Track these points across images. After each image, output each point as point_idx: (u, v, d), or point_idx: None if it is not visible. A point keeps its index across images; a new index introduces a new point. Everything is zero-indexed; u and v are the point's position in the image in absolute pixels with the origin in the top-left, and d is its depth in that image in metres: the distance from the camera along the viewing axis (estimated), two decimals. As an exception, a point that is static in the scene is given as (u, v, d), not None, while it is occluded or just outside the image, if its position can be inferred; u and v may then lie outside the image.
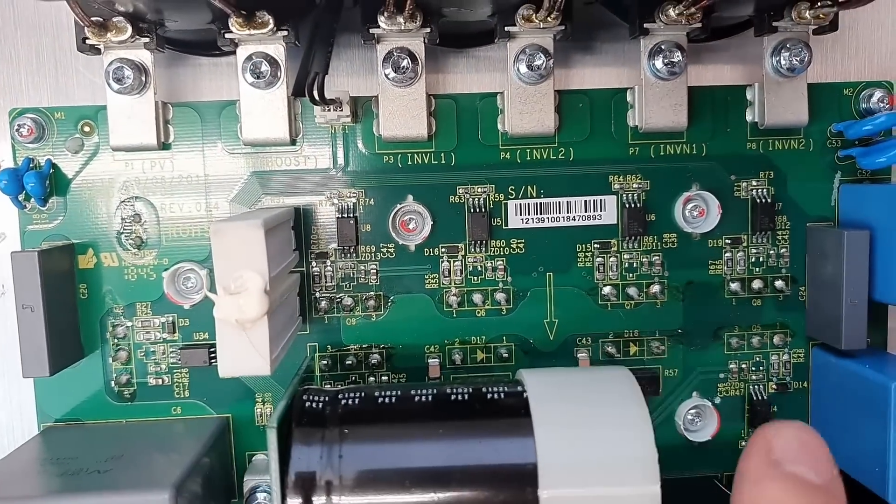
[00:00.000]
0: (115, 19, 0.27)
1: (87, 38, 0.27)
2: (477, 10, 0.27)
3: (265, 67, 0.28)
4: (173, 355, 0.30)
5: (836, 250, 0.30)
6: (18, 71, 0.31)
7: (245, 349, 0.23)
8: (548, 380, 0.25)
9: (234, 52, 0.29)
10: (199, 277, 0.30)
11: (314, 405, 0.24)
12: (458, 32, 0.30)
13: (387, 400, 0.25)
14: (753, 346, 0.32)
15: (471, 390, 0.25)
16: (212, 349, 0.30)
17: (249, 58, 0.28)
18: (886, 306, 0.31)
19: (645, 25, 0.29)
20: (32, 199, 0.29)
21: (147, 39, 0.27)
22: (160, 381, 0.30)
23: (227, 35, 0.27)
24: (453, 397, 0.25)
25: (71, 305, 0.30)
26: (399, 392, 0.25)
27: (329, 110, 0.28)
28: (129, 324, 0.30)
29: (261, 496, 0.29)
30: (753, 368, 0.32)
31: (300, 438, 0.23)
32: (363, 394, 0.25)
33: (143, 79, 0.28)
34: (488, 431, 0.24)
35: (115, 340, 0.30)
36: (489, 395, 0.25)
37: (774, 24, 0.29)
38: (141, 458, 0.26)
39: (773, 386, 0.32)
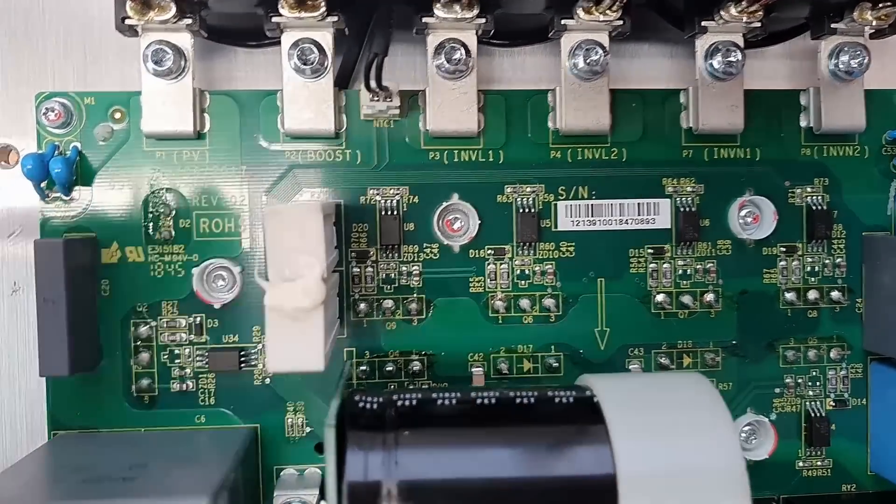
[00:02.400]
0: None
1: (128, 18, 0.26)
2: None
3: (313, 55, 0.27)
4: (200, 359, 0.28)
5: (893, 260, 0.29)
6: (45, 55, 0.29)
7: (298, 342, 0.21)
8: (617, 385, 0.24)
9: (275, 42, 0.28)
10: (231, 276, 0.28)
11: (368, 406, 0.22)
12: (508, 29, 0.29)
13: (446, 402, 0.23)
14: (810, 360, 0.30)
15: (536, 393, 0.23)
16: (242, 353, 0.28)
17: (296, 44, 0.27)
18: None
19: (703, 23, 0.28)
20: (55, 188, 0.27)
21: (190, 20, 0.26)
22: (184, 386, 0.28)
23: (274, 18, 0.26)
24: (518, 400, 0.23)
25: (91, 303, 0.28)
26: (458, 394, 0.23)
27: (378, 100, 0.27)
28: (154, 324, 0.28)
29: (295, 507, 0.27)
30: (810, 383, 0.30)
31: (355, 442, 0.21)
32: (420, 395, 0.23)
33: (182, 63, 0.27)
34: (559, 438, 0.22)
35: (138, 342, 0.28)
36: (557, 399, 0.23)
37: (833, 25, 0.28)
38: (166, 468, 0.24)
39: (831, 402, 0.31)
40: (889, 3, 0.27)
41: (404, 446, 0.21)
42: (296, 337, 0.21)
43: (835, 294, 0.30)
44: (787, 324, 0.30)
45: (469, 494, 0.21)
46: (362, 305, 0.29)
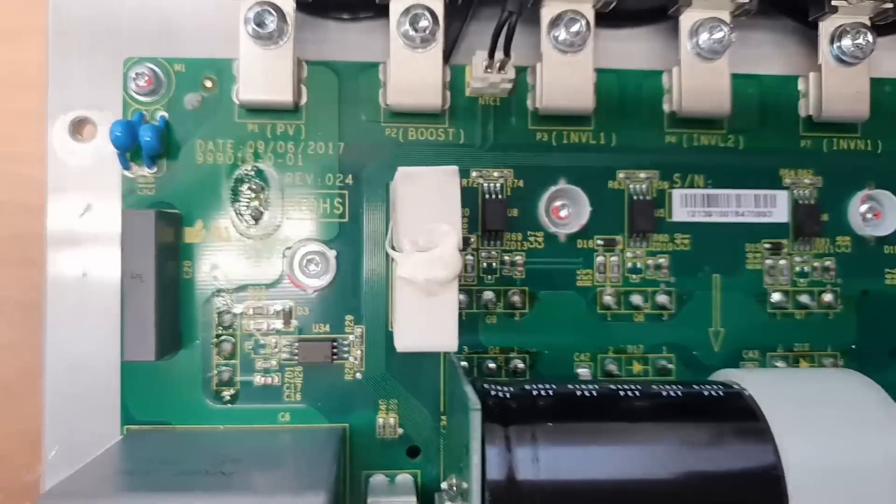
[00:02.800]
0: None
1: (232, -25, 0.24)
2: None
3: (426, 21, 0.25)
4: (287, 350, 0.26)
5: None
6: (123, 21, 0.27)
7: (431, 319, 0.19)
8: (766, 378, 0.21)
9: (371, 16, 0.26)
10: (324, 260, 0.26)
11: (502, 395, 0.20)
12: (625, 9, 0.28)
13: (586, 394, 0.20)
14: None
15: (682, 387, 0.21)
16: (334, 344, 0.26)
17: (408, 10, 0.25)
18: None
19: (833, 3, 0.26)
20: (140, 161, 0.25)
21: (297, -20, 0.24)
22: (268, 380, 0.26)
23: (387, -18, 0.24)
24: (664, 393, 0.21)
25: (174, 285, 0.25)
26: (598, 386, 0.21)
27: (492, 71, 0.25)
28: (239, 310, 0.26)
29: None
30: (938, 394, 0.28)
31: (493, 435, 0.19)
32: (555, 386, 0.21)
33: (284, 28, 0.25)
34: (716, 433, 0.20)
35: (220, 329, 0.26)
36: (706, 393, 0.21)
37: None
38: (262, 464, 0.22)
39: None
40: None
41: (548, 441, 0.19)
42: (429, 313, 0.19)
43: (963, 299, 0.28)
44: (915, 340, 0.28)
45: (621, 494, 0.19)
46: (461, 296, 0.26)
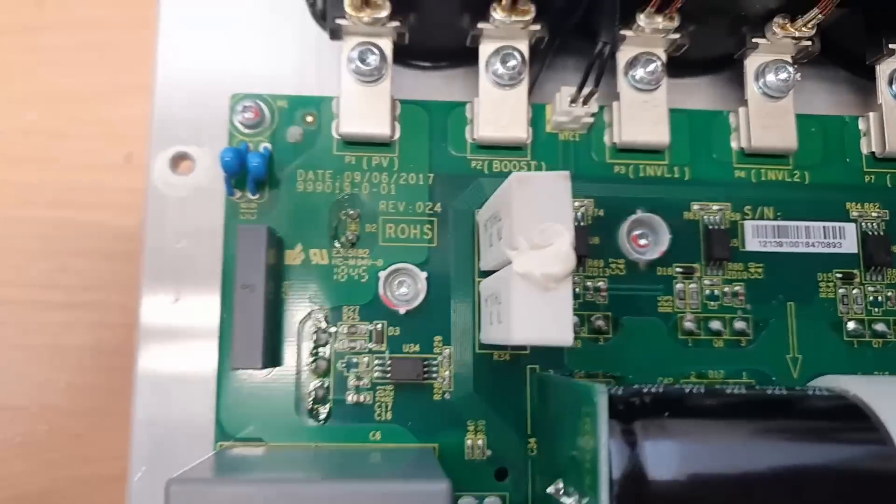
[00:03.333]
0: (376, -2, 0.26)
1: (340, 17, 0.26)
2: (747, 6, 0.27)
3: (513, 62, 0.27)
4: (378, 369, 0.26)
5: None
6: (239, 57, 0.29)
7: (546, 313, 0.20)
8: (867, 381, 0.22)
9: (452, 64, 0.28)
10: (414, 282, 0.27)
11: (615, 393, 0.20)
12: (690, 57, 0.30)
13: (695, 390, 0.21)
14: None
15: (785, 389, 0.21)
16: (425, 362, 0.26)
17: (498, 51, 0.27)
18: None
19: (891, 46, 0.28)
20: (244, 188, 0.27)
21: (398, 24, 0.26)
22: (361, 398, 0.26)
23: (480, 24, 0.26)
24: (769, 391, 0.21)
25: (275, 303, 0.26)
26: (703, 387, 0.21)
27: (576, 105, 0.27)
28: (334, 329, 0.27)
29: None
30: None
31: (619, 430, 0.19)
32: (662, 387, 0.21)
33: (383, 67, 0.27)
34: (829, 430, 0.20)
35: (316, 348, 0.26)
36: (811, 392, 0.21)
37: None
38: (377, 468, 0.22)
39: None
40: None
41: (671, 435, 0.19)
42: (544, 307, 0.20)
43: None
44: None
45: (744, 487, 0.19)
46: (546, 320, 0.27)
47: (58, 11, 0.39)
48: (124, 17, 0.38)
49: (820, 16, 0.26)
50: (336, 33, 0.27)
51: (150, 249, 0.28)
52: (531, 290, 0.20)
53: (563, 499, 0.20)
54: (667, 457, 0.19)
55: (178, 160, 0.29)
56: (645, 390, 0.21)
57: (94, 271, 0.37)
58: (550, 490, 0.22)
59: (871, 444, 0.19)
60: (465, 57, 0.29)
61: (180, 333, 0.27)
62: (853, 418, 0.20)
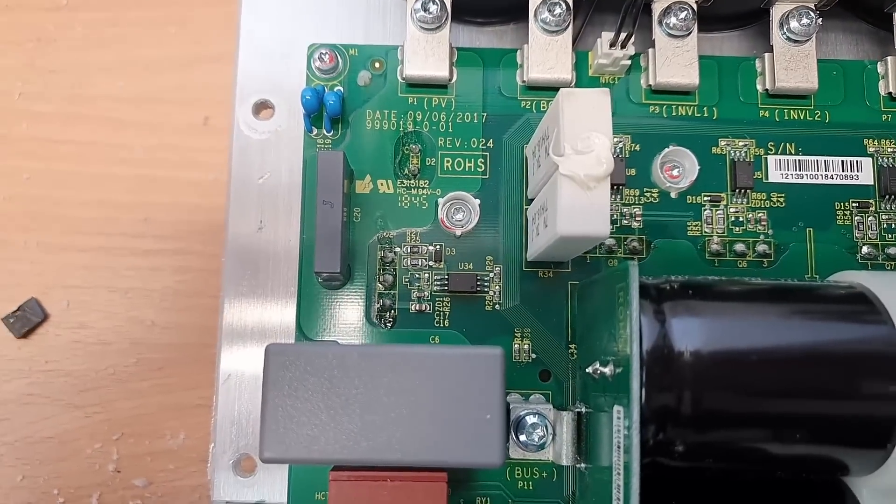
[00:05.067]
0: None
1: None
2: None
3: (560, 9, 0.29)
4: (437, 283, 0.29)
5: None
6: (314, 15, 0.32)
7: (588, 209, 0.22)
8: (873, 276, 0.24)
9: (503, 21, 0.31)
10: (469, 209, 0.30)
11: (650, 279, 0.23)
12: (720, 13, 0.32)
13: (719, 279, 0.23)
14: None
15: (797, 282, 0.24)
16: (478, 277, 0.29)
17: (545, 0, 0.29)
18: None
19: (910, -7, 0.30)
20: (320, 126, 0.30)
21: (457, -21, 0.29)
22: (422, 307, 0.29)
23: (529, -22, 0.29)
24: (786, 281, 0.23)
25: (348, 224, 0.29)
26: (723, 278, 0.24)
27: (616, 48, 0.29)
28: (398, 249, 0.30)
29: (533, 419, 0.27)
30: None
31: (651, 309, 0.22)
32: (688, 278, 0.24)
33: (443, 16, 0.30)
34: (840, 316, 0.22)
35: (384, 265, 0.30)
36: (823, 283, 0.23)
37: None
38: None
39: None
40: None
41: (690, 313, 0.22)
42: (585, 204, 0.23)
43: None
44: None
45: (751, 360, 0.21)
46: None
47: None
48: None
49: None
50: (400, -13, 0.30)
51: (235, 184, 0.31)
52: (575, 190, 0.22)
53: (600, 369, 0.23)
54: (691, 332, 0.21)
55: (260, 107, 0.32)
56: (674, 278, 0.23)
57: (176, 222, 0.41)
58: (589, 370, 0.24)
59: (874, 324, 0.22)
60: (514, 13, 0.32)
61: (263, 256, 0.30)
62: (859, 303, 0.22)
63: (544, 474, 0.28)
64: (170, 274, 0.41)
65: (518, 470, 0.28)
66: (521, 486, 0.28)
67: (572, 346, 0.29)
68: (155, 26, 0.43)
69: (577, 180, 0.22)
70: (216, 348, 0.31)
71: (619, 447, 0.21)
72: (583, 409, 0.26)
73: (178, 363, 0.40)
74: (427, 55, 0.30)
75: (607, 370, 0.22)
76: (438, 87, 0.31)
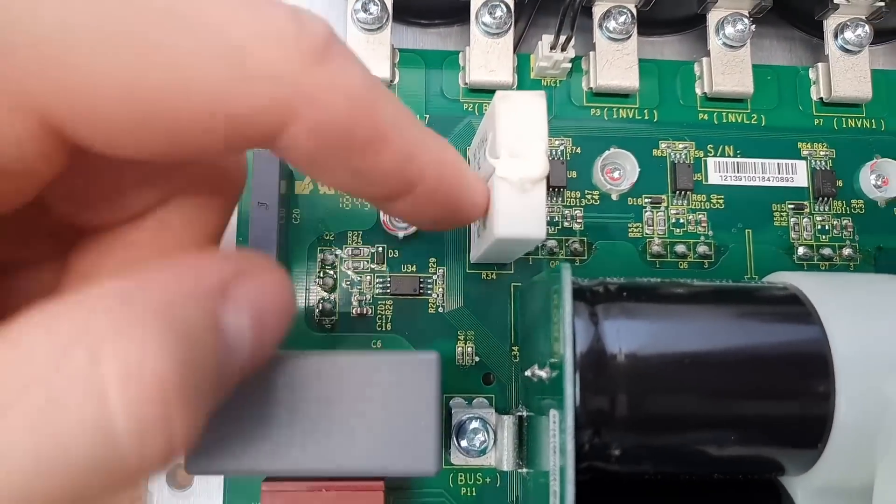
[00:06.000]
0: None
1: (345, -27, 0.28)
2: None
3: (500, 12, 0.29)
4: (379, 286, 0.29)
5: None
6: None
7: (523, 211, 0.22)
8: (811, 277, 0.24)
9: (446, 23, 0.30)
10: (411, 210, 0.29)
11: (581, 283, 0.23)
12: (658, 17, 0.32)
13: (653, 280, 0.23)
14: (948, 316, 0.30)
15: (731, 282, 0.24)
16: (421, 280, 0.29)
17: (486, 2, 0.29)
18: None
19: (836, 1, 0.30)
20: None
21: (397, -21, 0.28)
22: (364, 310, 0.28)
23: (470, -21, 0.28)
24: (720, 283, 0.23)
25: (287, 226, 0.28)
26: (659, 280, 0.23)
27: (556, 51, 0.29)
28: (339, 252, 0.29)
29: (474, 424, 0.26)
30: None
31: (585, 312, 0.22)
32: (624, 279, 0.23)
33: (384, 17, 0.29)
34: (769, 317, 0.22)
35: (324, 267, 0.29)
36: (754, 284, 0.23)
37: (948, 9, 0.31)
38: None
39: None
40: None
41: (625, 315, 0.22)
42: (521, 207, 0.22)
43: (967, 253, 0.31)
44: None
45: (687, 362, 0.21)
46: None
47: None
48: None
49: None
50: (341, -12, 0.29)
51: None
52: (511, 192, 0.22)
53: (537, 372, 0.22)
54: (625, 334, 0.21)
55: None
56: (610, 280, 0.23)
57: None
58: (527, 373, 0.24)
59: (805, 325, 0.22)
60: (456, 15, 0.31)
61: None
62: (791, 304, 0.22)
63: (487, 480, 0.28)
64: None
65: (461, 476, 0.28)
66: (465, 492, 0.28)
67: (515, 348, 0.28)
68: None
69: (512, 183, 0.22)
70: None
71: (554, 452, 0.20)
72: (524, 413, 0.26)
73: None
74: (368, 56, 0.29)
75: (544, 373, 0.22)
76: (387, 83, 0.30)
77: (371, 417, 0.21)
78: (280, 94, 0.14)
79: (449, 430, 0.27)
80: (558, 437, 0.20)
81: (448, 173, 0.19)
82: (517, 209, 0.22)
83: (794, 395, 0.21)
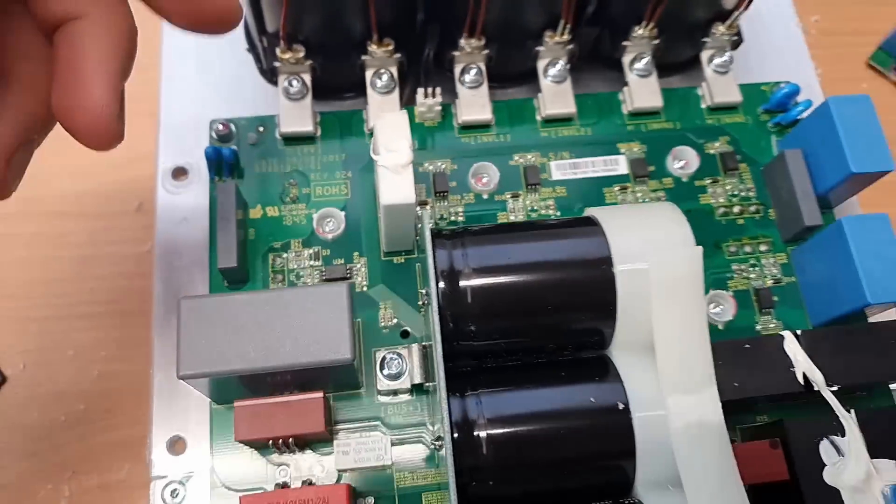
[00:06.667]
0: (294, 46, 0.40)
1: (277, 61, 0.40)
2: (527, 19, 0.41)
3: (386, 77, 0.41)
4: (318, 275, 0.38)
5: (780, 174, 0.40)
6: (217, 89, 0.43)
7: (399, 186, 0.32)
8: (602, 209, 0.34)
9: (351, 95, 0.42)
10: (336, 219, 0.39)
11: (444, 231, 0.33)
12: (503, 72, 0.44)
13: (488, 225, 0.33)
14: (747, 252, 0.40)
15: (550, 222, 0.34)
16: (348, 267, 0.38)
17: (376, 72, 0.41)
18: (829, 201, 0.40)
19: (624, 44, 0.43)
20: (221, 174, 0.40)
21: (311, 62, 0.40)
22: (307, 294, 0.38)
23: (363, 57, 0.40)
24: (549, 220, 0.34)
25: (244, 244, 0.38)
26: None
27: (429, 98, 0.41)
28: (285, 255, 0.39)
29: (392, 356, 0.35)
30: (751, 269, 0.40)
31: (440, 245, 0.32)
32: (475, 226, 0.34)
33: (304, 91, 0.41)
34: (572, 232, 0.32)
35: (275, 270, 0.38)
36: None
37: (704, 39, 0.43)
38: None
39: (770, 281, 0.40)
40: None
41: (468, 245, 0.32)
42: (397, 183, 0.32)
43: (752, 208, 0.41)
44: (723, 230, 0.41)
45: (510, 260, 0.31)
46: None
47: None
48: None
49: (566, 30, 0.40)
50: (273, 74, 0.41)
51: (160, 227, 0.40)
52: (389, 174, 0.32)
53: (423, 299, 0.32)
54: (468, 256, 0.31)
55: (178, 172, 0.42)
56: (462, 229, 0.33)
57: (116, 288, 0.49)
58: (423, 291, 0.33)
59: (593, 236, 0.32)
60: (357, 88, 0.43)
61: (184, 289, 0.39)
62: (587, 224, 0.32)
63: (410, 409, 0.36)
64: (111, 330, 0.48)
65: (391, 408, 0.36)
66: (393, 420, 0.36)
67: (423, 310, 0.38)
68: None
69: (390, 168, 0.32)
70: (150, 375, 0.38)
71: (432, 335, 0.30)
72: (426, 343, 0.35)
73: (121, 405, 0.46)
74: (296, 119, 0.41)
75: (423, 292, 0.31)
76: (307, 139, 0.41)
77: (304, 329, 0.30)
78: None
79: (375, 368, 0.36)
80: (431, 325, 0.30)
81: None
82: (394, 185, 0.32)
83: (585, 274, 0.30)
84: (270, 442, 0.32)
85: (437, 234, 0.32)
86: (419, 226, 0.34)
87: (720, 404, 0.30)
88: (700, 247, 0.31)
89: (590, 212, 0.34)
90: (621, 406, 0.30)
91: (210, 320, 0.30)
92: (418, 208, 0.34)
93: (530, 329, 0.31)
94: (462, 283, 0.30)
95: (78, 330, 0.48)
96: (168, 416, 0.36)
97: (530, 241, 0.32)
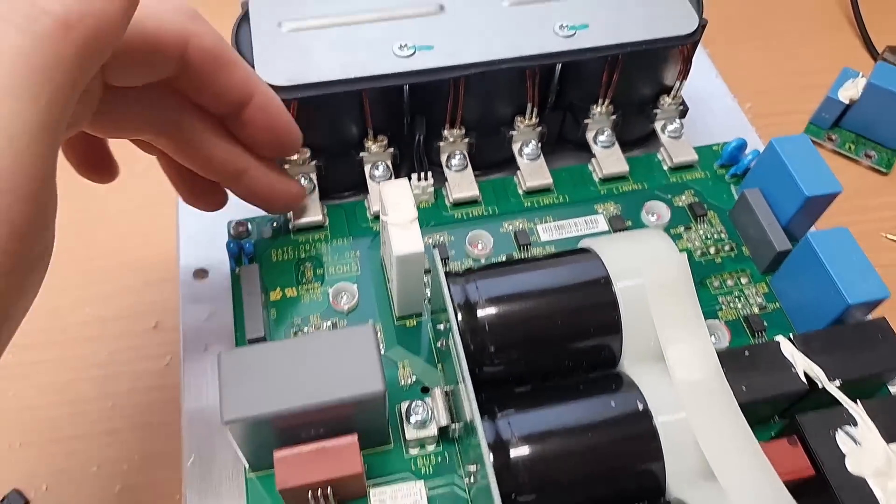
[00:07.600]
0: (301, 150, 0.45)
1: (286, 164, 0.45)
2: (498, 109, 0.47)
3: (383, 168, 0.46)
4: (337, 344, 0.40)
5: (746, 205, 0.45)
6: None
7: (407, 238, 0.36)
8: (596, 239, 0.38)
9: (351, 191, 0.47)
10: (350, 293, 0.42)
11: (452, 269, 0.36)
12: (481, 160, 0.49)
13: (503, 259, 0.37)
14: (729, 286, 0.44)
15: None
16: (364, 333, 0.41)
17: (374, 164, 0.46)
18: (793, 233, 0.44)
19: (586, 122, 0.48)
20: (243, 262, 0.43)
21: (315, 161, 0.45)
22: (329, 362, 0.40)
23: (361, 153, 0.45)
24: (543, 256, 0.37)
25: (267, 324, 0.41)
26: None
27: (421, 181, 0.45)
28: (306, 329, 0.41)
29: (417, 404, 0.37)
30: (736, 300, 0.43)
31: (452, 282, 0.35)
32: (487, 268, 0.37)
33: (312, 188, 0.45)
34: (570, 261, 0.36)
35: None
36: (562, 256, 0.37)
37: (655, 111, 0.49)
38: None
39: (756, 309, 0.43)
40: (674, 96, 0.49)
41: (481, 278, 0.35)
42: (406, 237, 0.36)
43: (727, 247, 0.45)
44: (704, 268, 0.44)
45: (521, 300, 0.34)
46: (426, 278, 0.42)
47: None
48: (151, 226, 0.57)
49: (533, 113, 0.46)
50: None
51: (185, 317, 0.42)
52: (399, 230, 0.36)
53: (440, 330, 0.34)
54: (481, 289, 0.34)
55: (199, 273, 0.45)
56: (468, 268, 0.36)
57: (137, 403, 0.51)
58: (438, 345, 0.35)
59: (588, 262, 0.35)
60: (357, 186, 0.47)
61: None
62: (582, 253, 0.36)
63: (439, 459, 0.37)
64: (136, 444, 0.49)
65: (420, 460, 0.37)
66: (424, 471, 0.37)
67: (439, 365, 0.40)
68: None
69: (399, 224, 0.36)
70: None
71: (456, 357, 0.32)
72: (447, 389, 0.37)
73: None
74: (307, 211, 0.45)
75: (441, 326, 0.34)
76: (318, 227, 0.45)
77: (337, 367, 0.32)
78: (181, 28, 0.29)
79: (401, 424, 0.37)
80: (455, 352, 0.32)
81: (273, 95, 0.33)
82: (404, 238, 0.36)
83: (589, 294, 0.33)
84: (310, 493, 0.33)
85: (448, 273, 0.35)
86: (426, 280, 0.37)
87: (728, 384, 0.32)
88: (684, 252, 0.34)
89: (583, 244, 0.38)
90: (641, 407, 0.31)
91: (248, 369, 0.31)
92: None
93: (545, 348, 0.33)
94: (479, 312, 0.33)
95: (103, 445, 0.49)
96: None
97: (535, 271, 0.35)
